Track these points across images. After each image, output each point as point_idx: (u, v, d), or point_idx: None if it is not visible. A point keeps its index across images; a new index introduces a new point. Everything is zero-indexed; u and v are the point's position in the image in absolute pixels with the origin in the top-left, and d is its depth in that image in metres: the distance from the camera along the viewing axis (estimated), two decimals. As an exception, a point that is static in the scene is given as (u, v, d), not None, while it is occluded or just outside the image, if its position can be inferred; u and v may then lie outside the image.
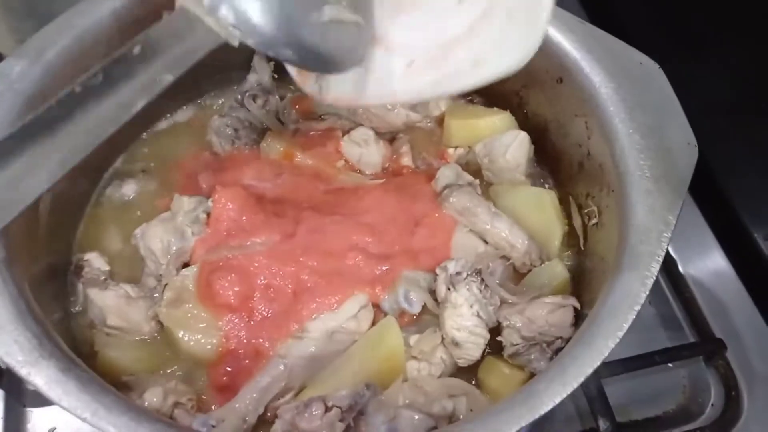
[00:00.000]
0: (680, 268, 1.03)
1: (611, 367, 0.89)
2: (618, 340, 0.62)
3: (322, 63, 0.60)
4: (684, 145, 0.75)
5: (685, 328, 1.00)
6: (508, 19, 0.58)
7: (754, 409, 0.92)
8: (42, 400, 0.86)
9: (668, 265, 1.03)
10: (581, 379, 0.60)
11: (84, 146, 0.51)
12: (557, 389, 0.59)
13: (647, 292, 0.64)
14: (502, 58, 0.59)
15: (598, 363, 0.61)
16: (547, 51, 0.83)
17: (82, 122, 0.50)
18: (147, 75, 0.52)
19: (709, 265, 1.05)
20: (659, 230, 0.68)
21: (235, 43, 0.57)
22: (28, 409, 0.86)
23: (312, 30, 0.56)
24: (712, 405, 0.94)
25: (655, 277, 0.65)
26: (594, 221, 0.82)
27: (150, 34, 0.53)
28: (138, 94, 0.52)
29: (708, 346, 0.95)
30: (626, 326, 0.62)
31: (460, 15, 0.59)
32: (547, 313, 0.75)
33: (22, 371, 0.59)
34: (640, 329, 0.99)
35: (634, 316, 0.63)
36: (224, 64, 0.98)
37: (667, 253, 1.02)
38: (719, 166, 1.10)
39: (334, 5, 0.57)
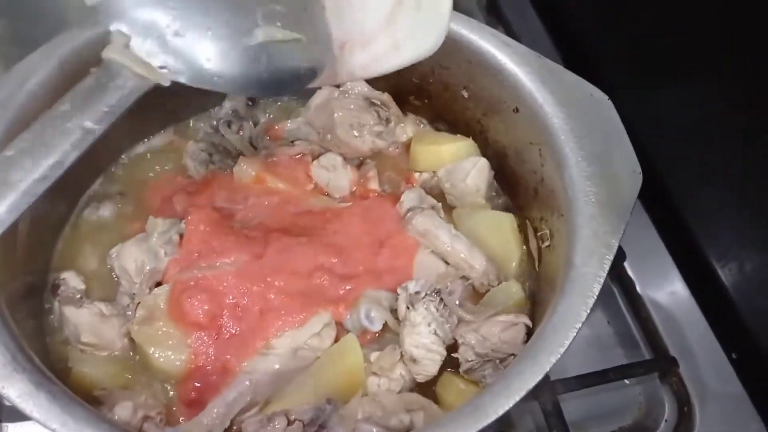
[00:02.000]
0: (638, 289, 1.08)
1: (568, 384, 0.92)
2: (560, 356, 0.66)
3: (267, 87, 0.62)
4: (629, 173, 0.79)
5: (641, 347, 1.04)
6: (417, 6, 0.62)
7: (706, 424, 0.96)
8: (18, 416, 0.89)
9: (627, 286, 1.08)
10: (524, 393, 0.63)
11: (17, 204, 0.54)
12: (501, 402, 0.63)
13: (588, 311, 0.68)
14: (416, 43, 0.64)
15: (541, 377, 0.64)
16: (504, 82, 0.88)
17: (19, 183, 0.53)
18: (79, 131, 0.55)
19: (665, 286, 1.09)
20: (602, 253, 0.72)
21: (166, 83, 0.60)
22: (5, 424, 0.89)
23: (244, 57, 0.58)
24: (666, 420, 0.97)
25: (596, 298, 0.69)
26: (547, 244, 0.86)
27: (78, 90, 0.55)
28: (70, 151, 0.55)
29: (661, 364, 0.99)
30: (567, 343, 0.66)
31: (383, 3, 0.63)
32: (500, 330, 0.79)
33: (-6, 384, 0.62)
34: (599, 347, 1.04)
35: (575, 334, 0.67)
36: (201, 91, 1.01)
37: (626, 274, 1.08)
38: (677, 191, 1.16)
39: (267, 26, 0.59)
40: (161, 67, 0.55)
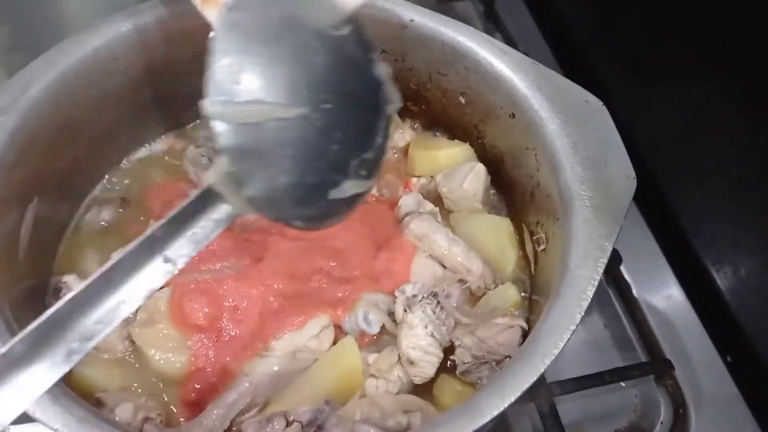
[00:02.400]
0: (634, 292, 1.09)
1: (564, 386, 0.93)
2: (554, 357, 0.66)
3: (330, 222, 0.63)
4: (623, 177, 0.80)
5: (637, 350, 1.05)
6: None
7: (701, 426, 0.97)
8: (19, 418, 0.90)
9: (623, 289, 1.09)
10: (518, 393, 0.64)
11: (90, 336, 0.51)
12: (496, 402, 0.63)
13: (582, 313, 0.69)
14: None
15: (535, 378, 0.65)
16: (501, 89, 0.90)
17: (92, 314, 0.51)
18: (163, 262, 0.53)
19: (661, 289, 1.10)
20: (596, 256, 0.73)
21: (251, 218, 0.65)
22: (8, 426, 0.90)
23: (330, 205, 0.59)
24: (662, 423, 0.98)
25: (590, 300, 0.70)
26: (542, 247, 0.87)
27: (170, 215, 0.54)
28: (151, 282, 0.53)
29: (657, 367, 1.00)
30: (562, 344, 0.67)
31: None
32: (496, 333, 0.80)
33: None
34: (595, 350, 1.05)
35: (570, 335, 0.68)
36: (201, 96, 1.03)
37: (622, 277, 1.10)
38: (673, 195, 1.17)
39: (354, 180, 0.59)
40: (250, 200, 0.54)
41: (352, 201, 0.62)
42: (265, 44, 0.53)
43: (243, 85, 0.51)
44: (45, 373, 0.51)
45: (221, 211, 0.55)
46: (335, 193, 0.59)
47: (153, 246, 0.54)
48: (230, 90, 0.51)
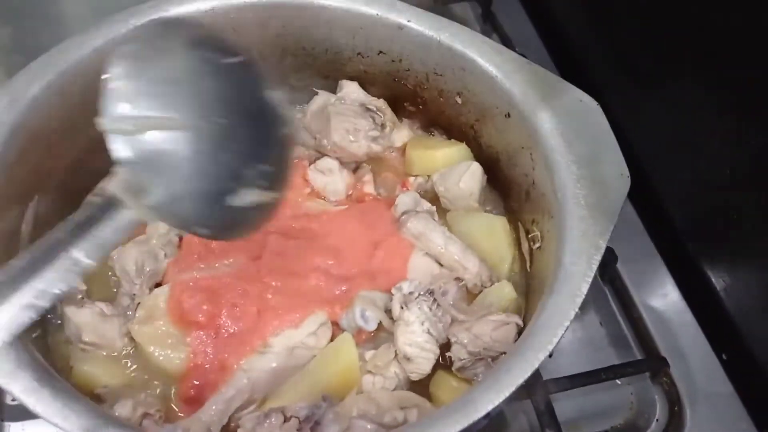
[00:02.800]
0: (630, 291, 1.09)
1: (560, 383, 0.93)
2: (548, 353, 0.67)
3: (238, 232, 0.67)
4: (617, 176, 0.81)
5: (633, 348, 1.05)
6: None
7: (696, 424, 0.97)
8: (20, 415, 0.91)
9: (619, 288, 1.09)
10: (513, 388, 0.65)
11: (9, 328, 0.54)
12: (491, 397, 0.64)
13: (576, 310, 0.70)
14: None
15: (530, 373, 0.66)
16: (496, 89, 0.90)
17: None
18: (68, 261, 0.56)
19: (657, 288, 1.11)
20: (590, 253, 0.74)
21: (153, 223, 0.73)
22: (6, 423, 0.90)
23: (231, 213, 0.62)
24: (657, 420, 0.99)
25: (584, 296, 0.71)
26: (538, 245, 0.88)
27: (73, 219, 0.57)
28: (57, 281, 0.56)
29: (652, 364, 1.00)
30: (555, 340, 0.68)
31: None
32: (492, 329, 0.81)
33: (1, 381, 0.64)
34: (592, 348, 1.06)
35: (564, 331, 0.68)
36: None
37: (618, 276, 1.10)
38: (668, 195, 1.17)
39: (252, 189, 0.63)
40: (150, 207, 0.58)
41: (259, 210, 0.65)
42: (156, 68, 0.57)
43: (135, 102, 0.55)
44: None
45: (125, 216, 0.58)
46: (233, 200, 0.62)
47: (57, 247, 0.57)
48: (123, 107, 0.55)
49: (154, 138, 0.56)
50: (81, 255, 0.57)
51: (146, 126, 0.55)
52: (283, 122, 0.67)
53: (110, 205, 0.57)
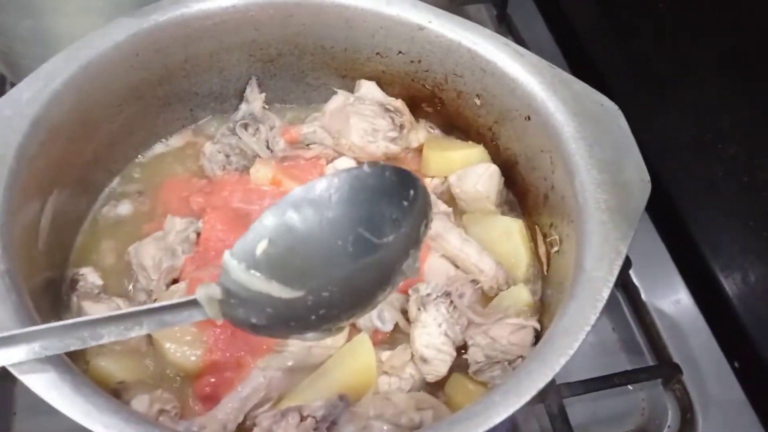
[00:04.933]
0: (643, 297, 1.09)
1: (573, 388, 0.94)
2: (569, 358, 0.67)
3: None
4: (638, 181, 0.81)
5: (645, 353, 1.06)
6: None
7: (708, 431, 0.98)
8: (31, 408, 0.91)
9: (631, 293, 1.09)
10: (534, 392, 0.65)
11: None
12: (512, 400, 0.64)
13: (597, 315, 0.70)
14: None
15: (550, 377, 0.66)
16: (517, 91, 0.90)
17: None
18: (131, 324, 0.63)
19: (670, 294, 1.11)
20: (611, 258, 0.74)
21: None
22: (18, 416, 0.90)
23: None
24: (669, 427, 0.99)
25: (605, 302, 0.71)
26: (556, 249, 0.88)
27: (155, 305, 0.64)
28: (114, 334, 0.63)
29: (665, 370, 1.00)
30: (576, 345, 0.67)
31: None
32: (509, 333, 0.81)
33: (22, 376, 0.64)
34: (604, 353, 1.06)
35: (584, 336, 0.68)
36: (218, 94, 1.04)
37: (631, 281, 1.10)
38: (682, 201, 1.17)
39: (317, 333, 0.67)
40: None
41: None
42: (300, 243, 0.59)
43: (260, 262, 0.58)
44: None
45: (197, 313, 0.63)
46: (297, 335, 0.67)
47: (129, 320, 0.63)
48: (248, 260, 0.58)
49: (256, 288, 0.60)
50: (144, 326, 0.63)
51: (253, 284, 0.59)
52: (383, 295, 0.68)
53: (193, 303, 0.62)
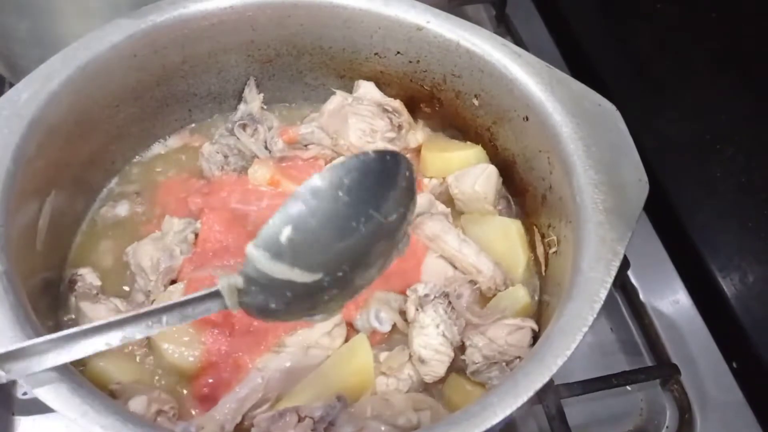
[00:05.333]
0: (641, 297, 1.09)
1: (571, 388, 0.93)
2: (567, 358, 0.67)
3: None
4: (635, 182, 0.81)
5: (644, 354, 1.06)
6: None
7: (706, 431, 0.98)
8: (30, 409, 0.91)
9: (630, 294, 1.09)
10: (531, 393, 0.65)
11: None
12: (509, 401, 0.64)
13: (594, 315, 0.70)
14: None
15: (548, 378, 0.66)
16: (515, 91, 0.90)
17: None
18: (152, 320, 0.64)
19: (668, 295, 1.11)
20: (608, 259, 0.74)
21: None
22: (17, 417, 0.90)
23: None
24: (667, 427, 0.99)
25: (602, 303, 0.71)
26: (554, 250, 0.88)
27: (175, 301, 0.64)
28: (137, 333, 0.64)
29: (663, 371, 1.00)
30: (574, 346, 0.68)
31: None
32: (507, 334, 0.81)
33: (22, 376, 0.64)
34: (602, 354, 1.06)
35: (582, 337, 0.68)
36: (217, 95, 1.04)
37: (630, 282, 1.10)
38: (680, 202, 1.17)
39: (324, 313, 0.69)
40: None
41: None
42: (320, 228, 0.60)
43: (284, 249, 0.59)
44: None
45: (214, 304, 0.64)
46: (308, 317, 0.68)
47: (151, 317, 0.64)
48: (272, 248, 0.59)
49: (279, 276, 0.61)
50: (164, 320, 0.64)
51: (278, 271, 0.60)
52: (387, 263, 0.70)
53: (212, 296, 0.63)
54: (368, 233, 0.62)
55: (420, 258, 0.90)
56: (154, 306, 0.64)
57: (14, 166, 0.75)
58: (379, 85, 1.03)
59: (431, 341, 0.80)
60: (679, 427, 0.98)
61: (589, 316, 0.70)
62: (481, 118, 0.99)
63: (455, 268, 0.90)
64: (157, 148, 1.03)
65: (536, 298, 0.91)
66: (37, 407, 0.87)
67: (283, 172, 0.97)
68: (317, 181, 0.60)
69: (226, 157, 0.98)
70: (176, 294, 0.84)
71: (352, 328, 0.85)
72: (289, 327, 0.82)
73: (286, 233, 0.58)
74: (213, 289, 0.63)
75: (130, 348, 0.84)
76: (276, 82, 1.06)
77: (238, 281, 0.61)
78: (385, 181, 0.63)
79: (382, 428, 0.74)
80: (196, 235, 0.89)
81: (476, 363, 0.81)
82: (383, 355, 0.82)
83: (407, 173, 0.65)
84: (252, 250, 0.59)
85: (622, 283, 1.10)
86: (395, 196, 0.64)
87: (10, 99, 0.78)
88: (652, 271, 1.12)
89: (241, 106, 1.03)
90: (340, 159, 0.98)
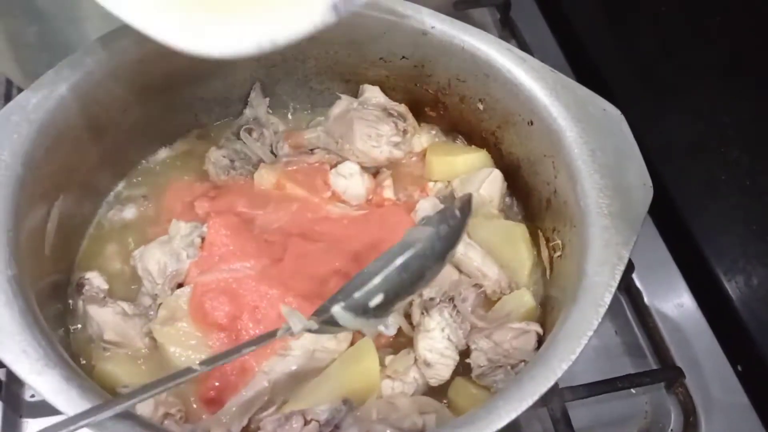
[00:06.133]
0: (646, 300, 1.09)
1: (576, 391, 0.93)
2: (571, 362, 0.67)
3: None
4: (640, 186, 0.81)
5: (648, 357, 1.06)
6: None
7: (711, 434, 0.98)
8: (38, 412, 0.91)
9: (634, 297, 1.09)
10: (536, 397, 0.65)
11: None
12: (514, 405, 0.65)
13: (600, 320, 0.70)
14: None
15: (553, 382, 0.66)
16: (520, 96, 0.91)
17: None
18: None
19: (673, 298, 1.11)
20: (613, 263, 0.74)
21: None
22: (25, 419, 0.91)
23: None
24: (672, 430, 0.98)
25: (607, 307, 0.71)
26: (558, 254, 0.88)
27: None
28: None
29: (668, 374, 1.01)
30: (579, 350, 0.68)
31: None
32: (512, 337, 0.81)
33: (29, 379, 0.64)
34: (607, 357, 1.06)
35: (587, 341, 0.69)
36: (223, 99, 1.05)
37: (634, 285, 1.10)
38: (685, 205, 1.17)
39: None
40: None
41: None
42: (405, 284, 0.66)
43: (369, 311, 0.65)
44: None
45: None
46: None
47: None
48: (359, 310, 0.65)
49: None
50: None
51: (358, 325, 0.68)
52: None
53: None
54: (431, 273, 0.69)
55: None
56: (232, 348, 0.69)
57: (24, 171, 0.75)
58: (384, 90, 1.03)
59: (436, 345, 0.81)
60: (683, 430, 0.98)
61: (594, 320, 0.70)
62: (486, 122, 0.99)
63: (460, 271, 0.91)
64: (164, 153, 1.03)
65: (541, 301, 0.91)
66: (45, 410, 0.87)
67: (289, 176, 0.97)
68: (414, 241, 0.66)
69: (232, 161, 0.98)
70: (183, 298, 0.84)
71: (358, 332, 0.85)
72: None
73: (376, 301, 0.64)
74: (285, 328, 0.68)
75: (138, 351, 0.84)
76: (282, 87, 1.06)
77: (313, 326, 0.66)
78: (459, 231, 0.71)
79: (388, 431, 0.74)
80: (203, 239, 0.89)
81: (481, 366, 0.81)
82: (389, 359, 0.83)
83: (469, 217, 0.74)
84: (339, 311, 0.64)
85: (626, 286, 1.10)
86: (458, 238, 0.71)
87: (19, 104, 0.79)
88: (657, 274, 1.12)
89: (247, 111, 1.04)
90: (342, 168, 0.99)
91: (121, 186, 1.00)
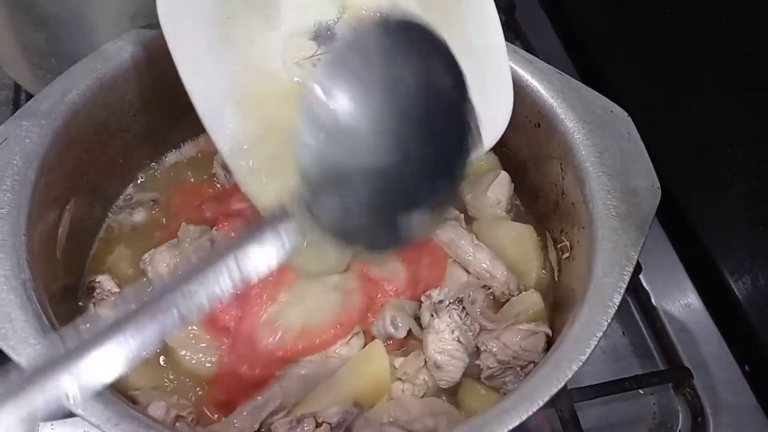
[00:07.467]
0: (653, 301, 1.10)
1: (584, 392, 0.94)
2: (581, 364, 0.68)
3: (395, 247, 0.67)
4: (648, 187, 0.82)
5: (656, 357, 1.06)
6: None
7: (719, 435, 0.98)
8: (51, 413, 0.92)
9: (642, 298, 1.10)
10: (546, 398, 0.65)
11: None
12: (525, 406, 0.65)
13: (609, 321, 0.70)
14: None
15: (563, 383, 0.67)
16: (526, 98, 0.91)
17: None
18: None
19: (680, 298, 1.11)
20: (622, 265, 0.75)
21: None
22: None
23: (393, 229, 0.61)
24: (680, 430, 0.99)
25: (616, 308, 0.71)
26: (567, 255, 0.88)
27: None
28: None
29: (676, 374, 1.01)
30: (589, 351, 0.68)
31: None
32: (521, 339, 0.81)
33: (42, 381, 0.65)
34: (615, 358, 1.06)
35: (597, 342, 0.69)
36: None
37: (641, 286, 1.10)
38: (691, 206, 1.18)
39: (422, 213, 0.61)
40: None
41: (415, 231, 0.63)
42: (361, 71, 0.54)
43: (331, 104, 0.53)
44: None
45: (281, 242, 0.56)
46: (403, 222, 0.60)
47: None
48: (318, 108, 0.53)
49: (339, 150, 0.54)
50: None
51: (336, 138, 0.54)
52: (472, 145, 0.63)
53: (274, 223, 0.56)
54: (421, 93, 0.56)
55: (445, 266, 0.91)
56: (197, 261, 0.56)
57: (36, 176, 0.76)
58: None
59: (446, 347, 0.81)
60: (691, 431, 0.99)
61: (603, 321, 0.70)
62: (494, 124, 0.99)
63: (469, 273, 0.91)
64: (173, 156, 1.03)
65: (549, 303, 0.91)
66: (66, 411, 0.88)
67: (297, 179, 0.97)
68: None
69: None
70: (193, 301, 0.85)
71: (369, 335, 0.85)
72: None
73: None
74: (275, 211, 0.55)
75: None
76: (289, 89, 1.07)
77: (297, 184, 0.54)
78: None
79: (399, 433, 0.75)
80: (213, 242, 0.89)
81: (491, 368, 0.82)
82: (399, 361, 0.83)
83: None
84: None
85: (634, 287, 1.10)
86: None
87: (30, 110, 0.80)
88: (664, 275, 1.13)
89: (255, 114, 1.04)
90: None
91: (130, 190, 1.00)
